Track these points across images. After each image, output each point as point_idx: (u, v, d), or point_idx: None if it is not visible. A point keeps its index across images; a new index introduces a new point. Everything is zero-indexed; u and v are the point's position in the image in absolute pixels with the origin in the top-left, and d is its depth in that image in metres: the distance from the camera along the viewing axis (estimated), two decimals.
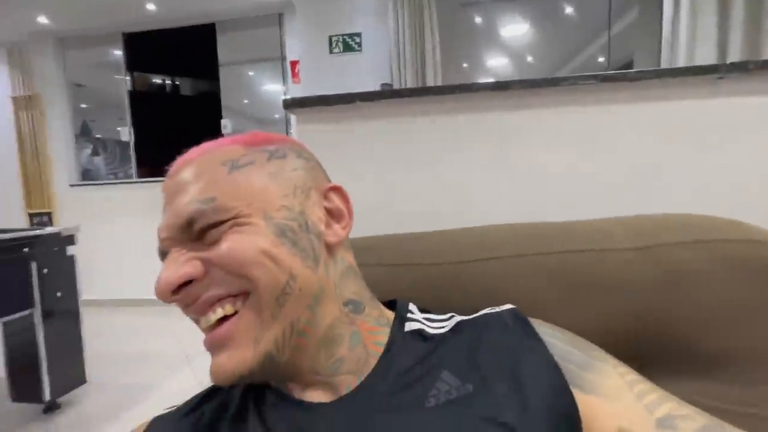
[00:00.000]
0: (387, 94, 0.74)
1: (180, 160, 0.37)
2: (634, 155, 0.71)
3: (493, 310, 0.40)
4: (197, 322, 0.34)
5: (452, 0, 3.22)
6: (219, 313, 0.32)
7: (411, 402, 0.33)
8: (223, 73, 3.57)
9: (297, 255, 0.34)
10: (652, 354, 0.45)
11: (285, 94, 3.69)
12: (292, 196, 0.35)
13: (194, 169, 0.35)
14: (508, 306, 0.40)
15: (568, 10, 3.68)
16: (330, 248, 0.37)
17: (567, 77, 0.69)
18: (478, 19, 3.66)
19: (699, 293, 0.43)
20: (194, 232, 0.33)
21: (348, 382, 0.35)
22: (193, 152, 0.37)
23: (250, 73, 3.89)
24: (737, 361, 0.42)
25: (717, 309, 0.42)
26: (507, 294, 0.49)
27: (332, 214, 0.38)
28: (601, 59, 3.58)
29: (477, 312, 0.41)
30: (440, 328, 0.39)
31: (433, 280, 0.53)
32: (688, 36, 2.41)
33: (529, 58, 3.76)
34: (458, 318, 0.40)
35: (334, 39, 2.92)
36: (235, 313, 0.33)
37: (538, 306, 0.48)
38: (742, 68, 0.64)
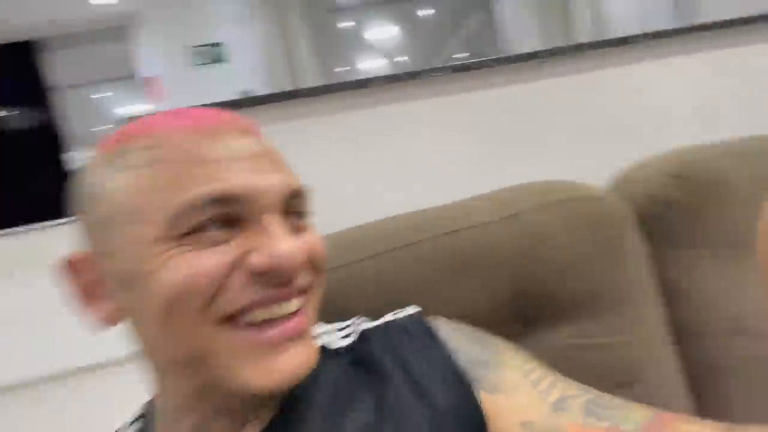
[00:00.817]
0: (247, 101, 0.69)
1: (240, 122, 0.31)
2: (486, 136, 0.79)
3: (396, 316, 0.39)
4: (249, 309, 0.27)
5: (319, 5, 3.22)
6: (295, 303, 0.29)
7: (329, 427, 0.31)
8: (63, 98, 3.02)
9: None
10: (531, 311, 0.49)
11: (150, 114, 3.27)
12: None
13: (268, 143, 0.32)
14: (411, 310, 0.40)
15: (426, 11, 3.98)
16: None
17: (375, 78, 0.74)
18: (347, 24, 3.74)
19: (557, 249, 0.48)
20: (286, 209, 0.29)
21: (269, 410, 0.32)
22: (243, 121, 0.32)
23: (99, 96, 3.37)
24: (596, 301, 0.48)
25: (572, 261, 0.48)
26: (398, 287, 0.49)
27: None
28: (466, 54, 3.96)
29: (380, 316, 0.40)
30: (345, 337, 0.38)
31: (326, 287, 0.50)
32: (516, 25, 2.80)
33: (400, 58, 3.98)
34: (363, 325, 0.39)
35: (195, 50, 2.69)
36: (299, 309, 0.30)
37: (431, 293, 0.49)
38: (558, 52, 0.75)
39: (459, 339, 0.37)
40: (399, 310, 0.40)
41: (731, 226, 0.55)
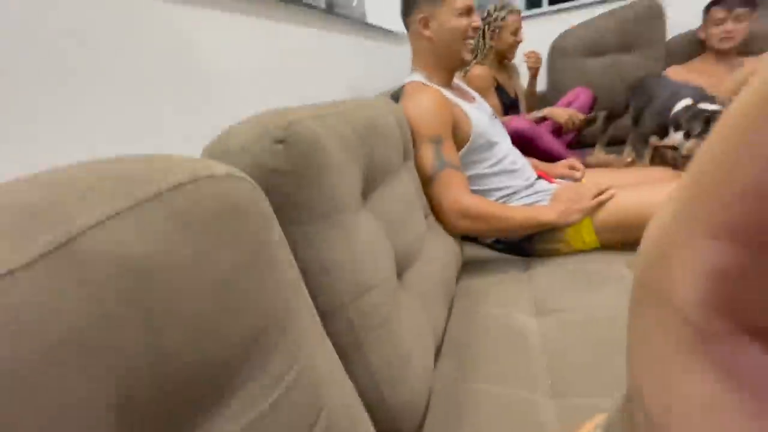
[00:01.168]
0: None
1: None
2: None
3: None
4: None
5: None
6: None
7: None
8: None
9: None
10: (168, 413, 0.25)
11: None
12: None
13: None
14: None
15: None
16: None
17: None
18: None
19: (182, 294, 0.26)
20: None
21: None
22: None
23: None
24: (264, 338, 0.31)
25: (216, 297, 0.28)
26: None
27: None
28: None
29: None
30: None
31: None
32: None
33: None
34: None
35: None
36: None
37: None
38: None
39: None
40: None
41: (334, 190, 0.54)
